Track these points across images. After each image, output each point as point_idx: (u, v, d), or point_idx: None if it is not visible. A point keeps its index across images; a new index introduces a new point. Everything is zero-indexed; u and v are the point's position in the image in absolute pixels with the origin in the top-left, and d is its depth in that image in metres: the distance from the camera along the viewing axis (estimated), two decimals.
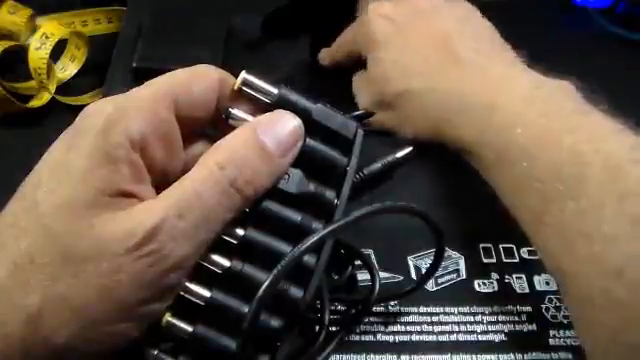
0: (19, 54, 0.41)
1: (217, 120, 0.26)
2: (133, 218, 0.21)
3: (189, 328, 0.23)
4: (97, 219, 0.21)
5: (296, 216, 0.25)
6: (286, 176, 0.25)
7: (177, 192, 0.22)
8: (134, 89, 0.24)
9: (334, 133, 0.26)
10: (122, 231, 0.21)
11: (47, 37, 0.41)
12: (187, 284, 0.23)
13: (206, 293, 0.23)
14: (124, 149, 0.22)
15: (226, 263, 0.24)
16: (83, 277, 0.20)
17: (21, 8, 0.43)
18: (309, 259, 0.25)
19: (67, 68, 0.43)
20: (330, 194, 0.26)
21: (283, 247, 0.24)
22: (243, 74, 0.25)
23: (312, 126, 0.26)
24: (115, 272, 0.20)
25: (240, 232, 0.24)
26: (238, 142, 0.23)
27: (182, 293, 0.23)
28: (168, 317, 0.23)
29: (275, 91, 0.26)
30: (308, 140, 0.26)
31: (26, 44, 0.41)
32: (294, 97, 0.26)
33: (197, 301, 0.23)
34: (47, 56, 0.40)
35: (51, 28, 0.41)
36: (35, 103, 0.40)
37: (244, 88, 0.26)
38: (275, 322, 0.24)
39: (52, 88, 0.41)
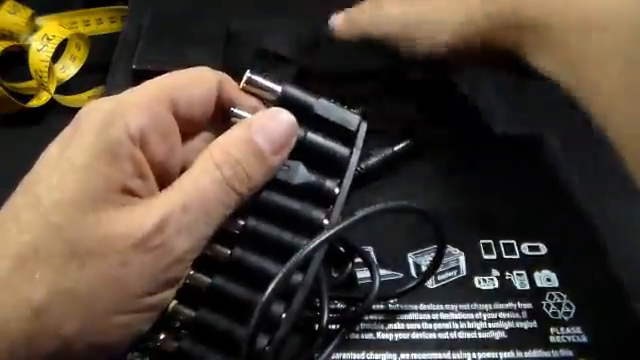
0: (19, 54, 0.42)
1: (216, 119, 0.27)
2: (139, 213, 0.22)
3: (192, 313, 0.25)
4: (103, 214, 0.21)
5: (295, 205, 0.26)
6: (286, 167, 0.26)
7: (180, 188, 0.23)
8: (131, 88, 0.24)
9: (337, 126, 0.28)
10: (129, 226, 0.21)
11: (49, 39, 0.41)
12: (191, 272, 0.25)
13: (208, 280, 0.25)
14: (125, 145, 0.22)
15: (227, 252, 0.25)
16: (90, 270, 0.21)
17: (21, 8, 0.43)
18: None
19: (67, 68, 0.43)
20: (331, 184, 0.27)
21: (283, 236, 0.26)
22: (247, 73, 0.27)
23: (316, 120, 0.27)
24: (123, 265, 0.21)
25: (241, 222, 0.26)
26: (232, 142, 0.24)
27: (186, 281, 0.25)
28: (174, 304, 0.24)
29: (279, 89, 0.27)
30: (309, 134, 0.27)
31: (26, 44, 0.42)
32: (297, 93, 0.27)
33: (200, 287, 0.25)
34: (49, 58, 0.40)
35: (53, 29, 0.41)
36: (35, 103, 0.41)
37: (249, 87, 0.27)
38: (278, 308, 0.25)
39: (52, 88, 0.41)
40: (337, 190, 0.27)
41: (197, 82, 0.26)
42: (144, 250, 0.21)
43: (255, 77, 0.27)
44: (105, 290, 0.21)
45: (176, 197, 0.22)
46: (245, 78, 0.27)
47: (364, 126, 0.28)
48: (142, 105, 0.23)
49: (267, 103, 0.28)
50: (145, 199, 0.22)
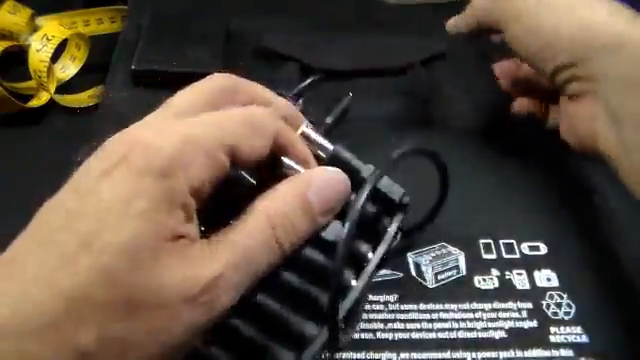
0: (19, 54, 0.42)
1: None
2: (193, 267, 0.21)
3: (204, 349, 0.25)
4: (157, 264, 0.21)
5: (327, 262, 0.26)
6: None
7: (234, 245, 0.23)
8: (194, 122, 0.23)
9: (381, 193, 0.29)
10: (182, 280, 0.21)
11: (48, 39, 0.41)
12: None
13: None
14: (183, 195, 0.22)
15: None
16: (140, 320, 0.20)
17: (21, 8, 0.43)
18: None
19: (67, 68, 0.43)
20: (366, 248, 0.27)
21: (310, 287, 0.25)
22: (303, 128, 0.28)
23: (361, 184, 0.27)
24: (171, 319, 0.21)
25: None
26: (288, 199, 0.24)
27: None
28: None
29: (330, 147, 0.28)
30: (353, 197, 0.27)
31: (26, 44, 0.42)
32: (347, 155, 0.28)
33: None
34: (48, 59, 0.40)
35: (52, 29, 0.41)
36: (35, 103, 0.41)
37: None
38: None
39: (52, 88, 0.41)
40: (370, 255, 0.27)
41: (260, 133, 0.25)
42: (193, 306, 0.21)
43: (309, 132, 0.28)
44: (151, 341, 0.21)
45: (230, 254, 0.22)
46: (300, 132, 0.28)
47: (407, 200, 0.29)
48: (208, 155, 0.23)
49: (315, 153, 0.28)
50: (195, 246, 0.22)
